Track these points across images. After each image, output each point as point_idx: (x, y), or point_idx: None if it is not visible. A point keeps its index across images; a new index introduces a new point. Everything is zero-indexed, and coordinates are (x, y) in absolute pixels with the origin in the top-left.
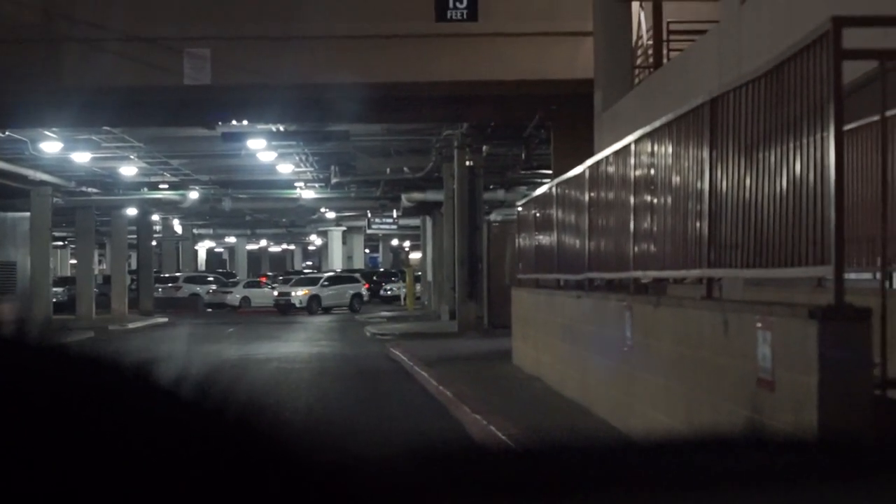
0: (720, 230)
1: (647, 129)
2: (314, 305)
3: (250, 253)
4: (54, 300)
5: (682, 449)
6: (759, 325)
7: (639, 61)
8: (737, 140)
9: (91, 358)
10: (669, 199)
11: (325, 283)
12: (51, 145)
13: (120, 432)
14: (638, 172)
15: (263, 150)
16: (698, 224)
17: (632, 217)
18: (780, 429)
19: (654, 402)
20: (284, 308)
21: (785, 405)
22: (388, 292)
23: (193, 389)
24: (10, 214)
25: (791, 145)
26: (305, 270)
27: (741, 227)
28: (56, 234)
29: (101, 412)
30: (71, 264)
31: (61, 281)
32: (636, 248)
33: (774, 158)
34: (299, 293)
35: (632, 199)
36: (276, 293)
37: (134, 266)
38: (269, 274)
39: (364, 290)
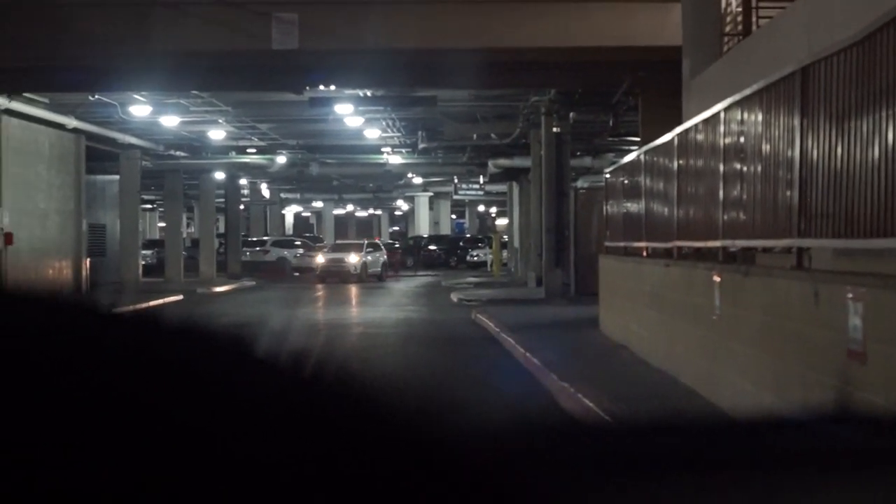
0: (810, 199)
1: (737, 97)
2: (364, 273)
3: (337, 217)
4: (143, 263)
5: (774, 426)
6: (850, 295)
7: (727, 28)
8: (828, 109)
9: (187, 325)
10: (759, 168)
11: (369, 248)
12: (140, 109)
13: (217, 400)
14: (727, 140)
15: (351, 115)
16: (788, 193)
17: (720, 185)
18: (871, 400)
19: (742, 372)
20: (338, 275)
21: (876, 378)
22: (475, 258)
23: (287, 355)
24: (100, 177)
25: (884, 114)
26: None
27: (832, 197)
28: (145, 197)
29: (198, 380)
30: (159, 227)
31: (150, 244)
32: (725, 217)
33: (867, 128)
34: (353, 259)
35: (721, 168)
36: (321, 259)
37: (222, 230)
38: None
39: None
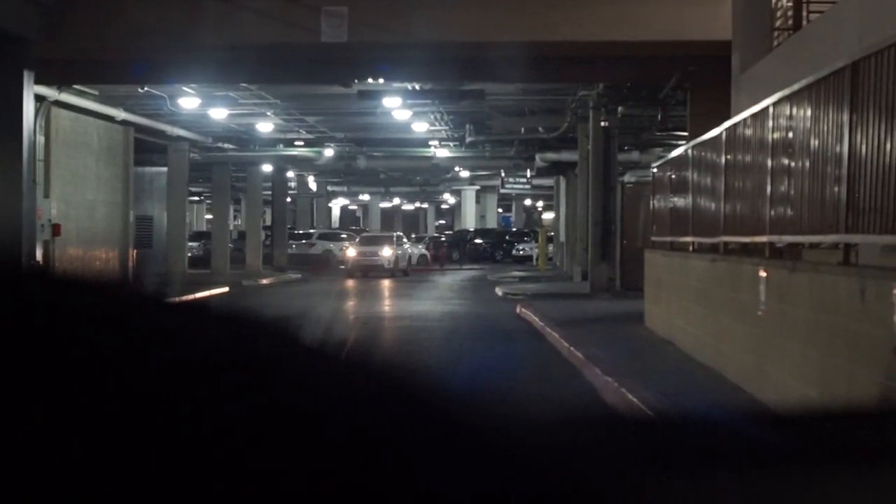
0: (858, 195)
1: (786, 91)
2: (396, 268)
3: (384, 211)
4: (190, 255)
5: (820, 422)
6: None
7: (778, 23)
8: (878, 104)
9: (236, 315)
10: (807, 163)
11: (403, 243)
12: (189, 101)
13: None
14: (775, 136)
15: (399, 109)
16: (836, 188)
17: (768, 181)
18: None
19: (788, 368)
20: (371, 269)
21: None
22: (521, 252)
23: (333, 347)
24: (148, 169)
25: None
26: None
27: (881, 193)
28: (192, 189)
29: (245, 370)
30: (207, 219)
31: (197, 236)
32: (772, 213)
33: None
34: (386, 253)
35: (768, 163)
36: (352, 252)
37: (269, 222)
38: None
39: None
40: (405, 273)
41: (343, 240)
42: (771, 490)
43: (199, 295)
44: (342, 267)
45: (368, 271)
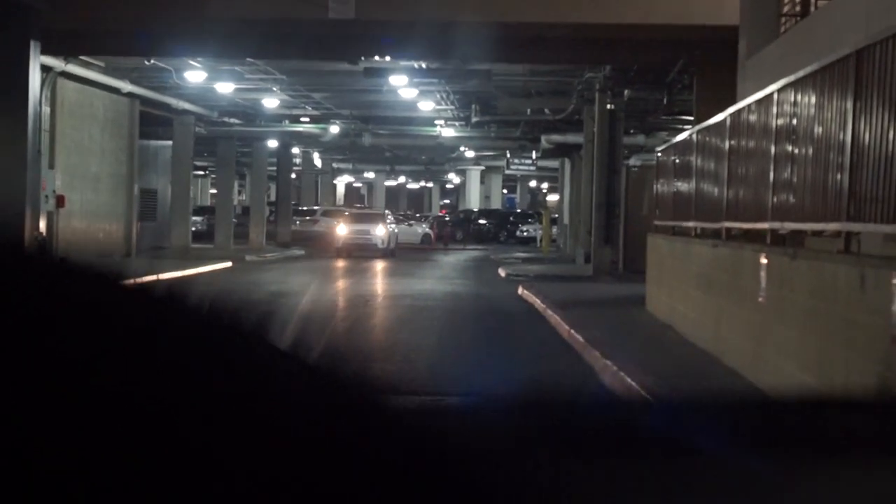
0: (861, 183)
1: (791, 78)
2: (389, 248)
3: (389, 189)
4: (193, 229)
5: (814, 409)
6: None
7: (785, 9)
8: (882, 93)
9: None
10: (810, 151)
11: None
12: (195, 75)
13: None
14: (779, 122)
15: (405, 87)
16: (839, 176)
17: (771, 167)
18: None
19: (786, 354)
20: (363, 249)
21: None
22: (524, 234)
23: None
24: (153, 142)
25: None
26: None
27: (883, 181)
28: (197, 163)
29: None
30: (211, 194)
31: (200, 210)
32: (774, 199)
33: None
34: (380, 232)
35: (772, 149)
36: (343, 230)
37: (273, 198)
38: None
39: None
40: (393, 254)
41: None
42: (757, 474)
43: (202, 270)
44: (336, 246)
45: (359, 251)
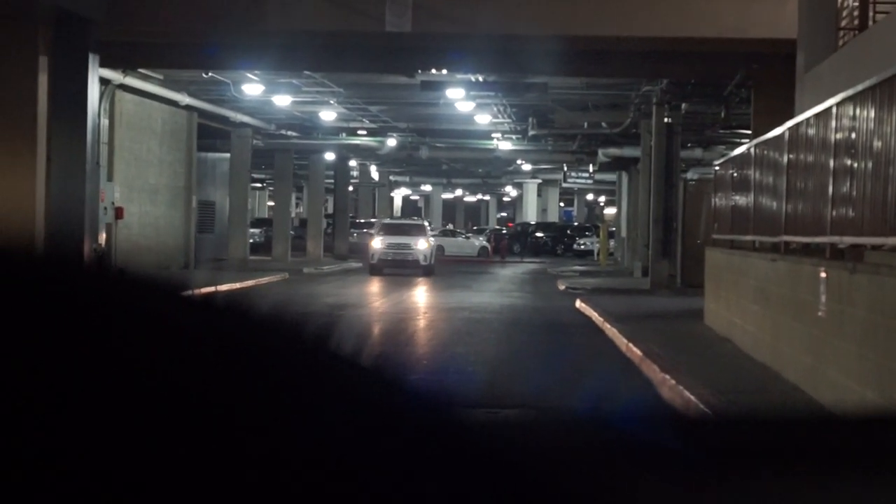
0: None
1: (850, 92)
2: (431, 264)
3: (445, 202)
4: (251, 241)
5: (875, 423)
6: None
7: (843, 23)
8: None
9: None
10: (869, 165)
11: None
12: (252, 87)
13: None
14: (838, 136)
15: (462, 100)
16: None
17: (830, 181)
18: None
19: (845, 369)
20: (401, 266)
21: None
22: (581, 247)
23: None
24: (211, 155)
25: None
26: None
27: None
28: (255, 175)
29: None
30: (268, 206)
31: (258, 222)
32: (833, 213)
33: None
34: (421, 246)
35: (831, 163)
36: (378, 244)
37: (330, 210)
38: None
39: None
40: (433, 271)
41: None
42: (824, 489)
43: (261, 281)
44: (371, 262)
45: (395, 268)
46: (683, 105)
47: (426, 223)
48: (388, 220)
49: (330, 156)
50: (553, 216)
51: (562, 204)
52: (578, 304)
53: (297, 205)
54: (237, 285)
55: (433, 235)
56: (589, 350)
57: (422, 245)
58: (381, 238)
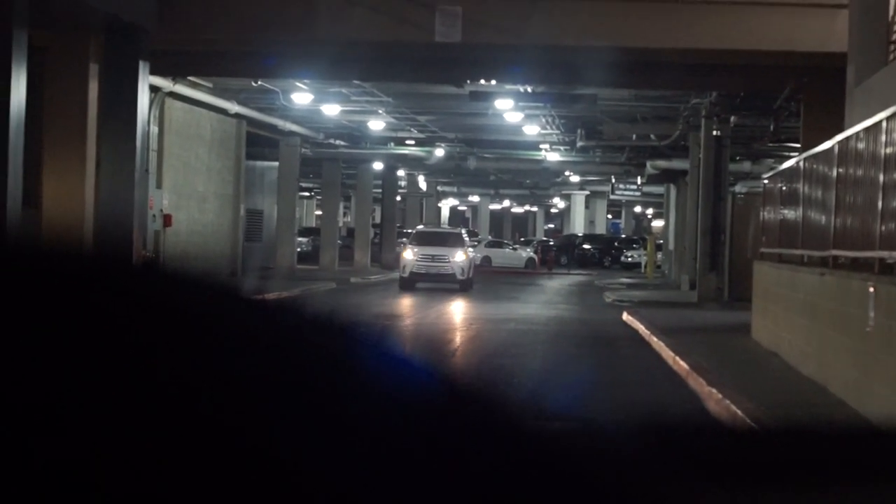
0: None
1: None
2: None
3: (493, 213)
4: (298, 250)
5: None
6: None
7: (894, 37)
8: None
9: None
10: None
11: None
12: (301, 96)
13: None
14: (889, 150)
15: (510, 111)
16: None
17: (880, 196)
18: None
19: (893, 384)
20: (436, 279)
21: None
22: (629, 259)
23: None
24: (259, 163)
25: None
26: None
27: None
28: (303, 184)
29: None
30: (316, 215)
31: (306, 231)
32: (882, 228)
33: None
34: (458, 258)
35: (881, 178)
36: (410, 255)
37: (378, 220)
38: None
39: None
40: (471, 285)
41: None
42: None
43: (305, 290)
44: (402, 275)
45: (429, 282)
46: (732, 118)
47: (464, 232)
48: (422, 228)
49: (378, 165)
50: (600, 228)
51: (609, 216)
52: (625, 316)
53: (344, 214)
54: (285, 294)
55: (486, 245)
56: (636, 363)
57: (459, 257)
58: (413, 249)
